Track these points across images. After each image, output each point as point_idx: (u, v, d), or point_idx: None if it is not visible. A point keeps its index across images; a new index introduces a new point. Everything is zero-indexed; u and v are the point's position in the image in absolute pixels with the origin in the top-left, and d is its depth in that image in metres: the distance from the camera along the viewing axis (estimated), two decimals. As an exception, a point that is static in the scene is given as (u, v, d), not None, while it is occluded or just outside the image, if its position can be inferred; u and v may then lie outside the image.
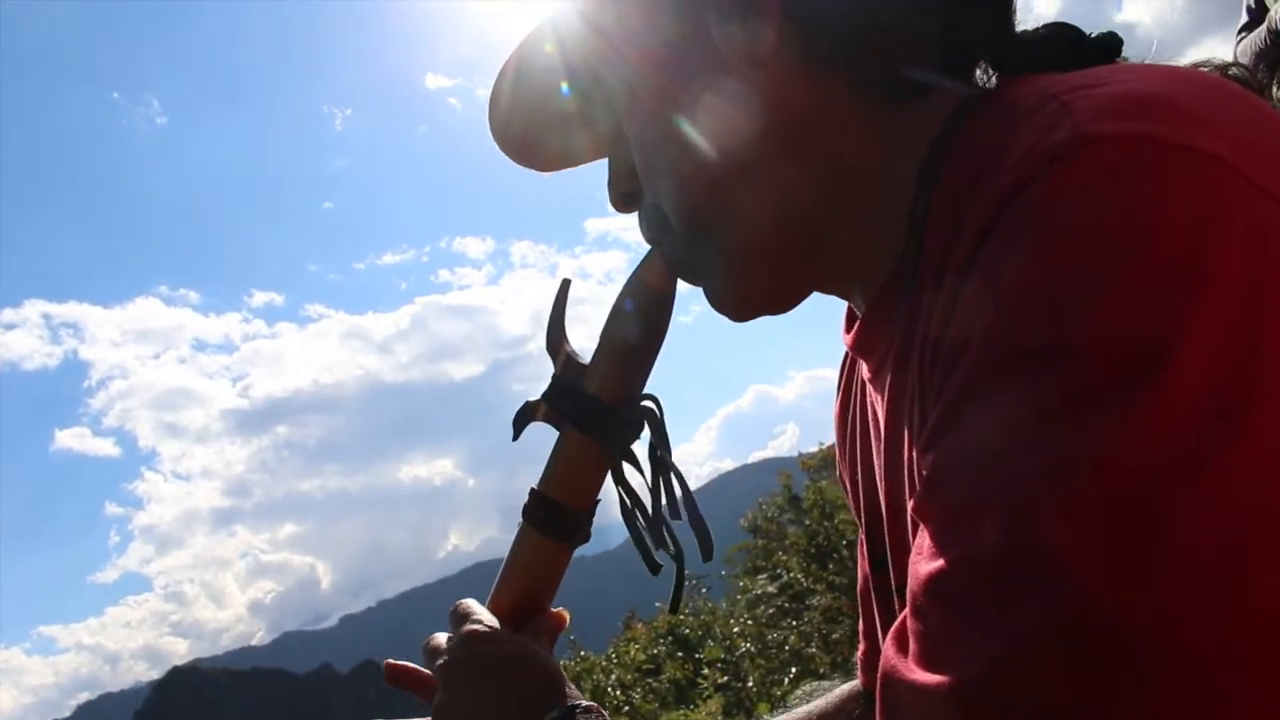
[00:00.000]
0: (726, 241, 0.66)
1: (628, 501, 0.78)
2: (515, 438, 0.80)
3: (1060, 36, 0.63)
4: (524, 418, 0.79)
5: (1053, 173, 0.44)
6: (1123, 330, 0.41)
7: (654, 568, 0.78)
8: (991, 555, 0.42)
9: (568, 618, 0.81)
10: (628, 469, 0.78)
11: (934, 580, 0.45)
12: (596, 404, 0.76)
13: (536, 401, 0.79)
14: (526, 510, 0.78)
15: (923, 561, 0.46)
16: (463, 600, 0.79)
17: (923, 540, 0.47)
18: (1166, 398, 0.40)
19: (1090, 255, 0.42)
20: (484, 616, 0.76)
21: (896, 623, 0.48)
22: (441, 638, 0.78)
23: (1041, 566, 0.40)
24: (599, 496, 0.79)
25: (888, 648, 0.48)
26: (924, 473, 0.48)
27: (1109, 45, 0.63)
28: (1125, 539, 0.39)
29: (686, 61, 0.63)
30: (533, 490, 0.78)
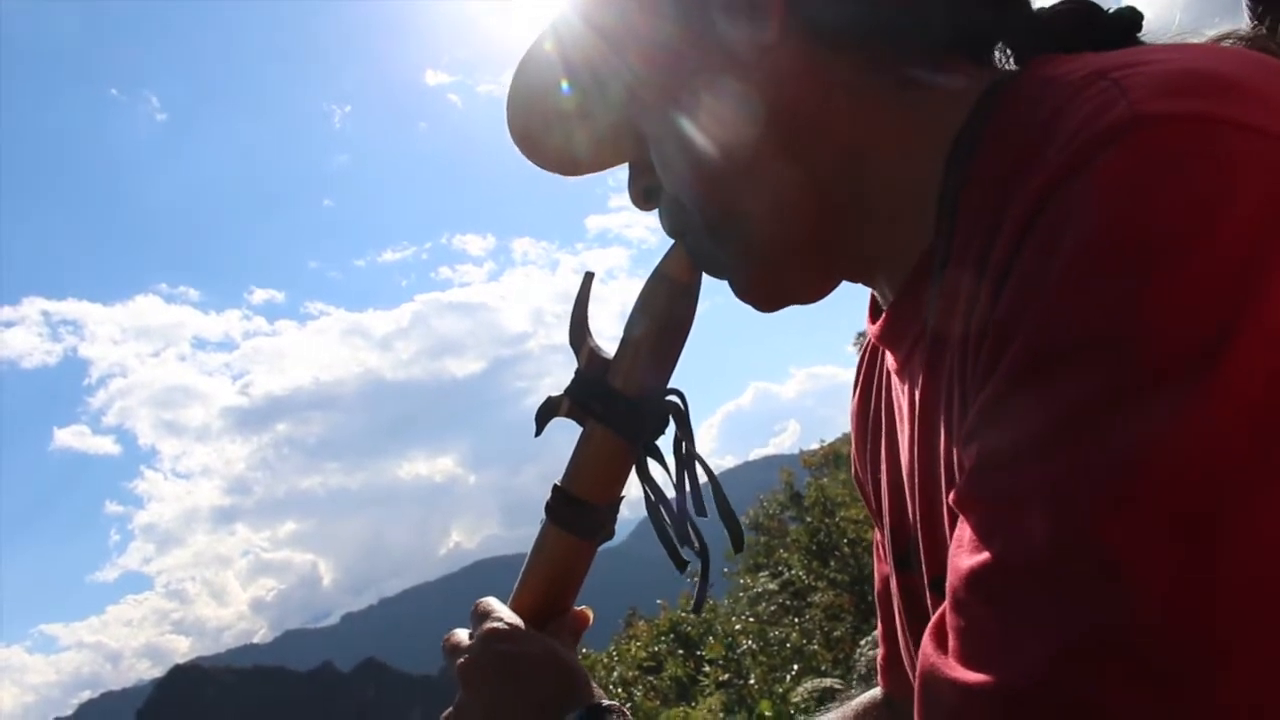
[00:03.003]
0: (748, 234, 0.64)
1: (653, 497, 0.77)
2: (538, 433, 0.79)
3: (1077, 14, 0.61)
4: (547, 413, 0.78)
5: (1109, 154, 0.42)
6: (1182, 319, 0.39)
7: (680, 565, 0.77)
8: (1040, 551, 0.40)
9: (591, 616, 0.80)
10: (652, 465, 0.77)
11: (977, 575, 0.43)
12: (621, 399, 0.75)
13: (560, 397, 0.78)
14: (549, 507, 0.77)
15: (964, 555, 0.44)
16: (484, 599, 0.78)
17: (963, 533, 0.45)
18: (1226, 391, 0.38)
19: (1149, 241, 0.40)
20: (505, 615, 0.75)
21: (934, 618, 0.47)
22: (462, 635, 0.76)
23: (1094, 565, 0.38)
24: (623, 493, 0.78)
25: (926, 644, 0.46)
26: (967, 464, 0.46)
27: (1129, 21, 0.61)
28: (1183, 539, 0.37)
29: (695, 53, 0.62)
30: (556, 486, 0.77)
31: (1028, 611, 0.40)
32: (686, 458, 0.76)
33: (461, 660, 0.73)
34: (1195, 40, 0.61)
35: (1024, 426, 0.43)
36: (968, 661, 0.42)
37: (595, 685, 0.70)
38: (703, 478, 0.77)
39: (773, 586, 7.86)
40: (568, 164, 0.77)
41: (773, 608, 7.62)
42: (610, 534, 0.78)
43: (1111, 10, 0.61)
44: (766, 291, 0.68)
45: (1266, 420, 0.38)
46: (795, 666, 6.39)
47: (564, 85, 0.72)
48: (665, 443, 0.78)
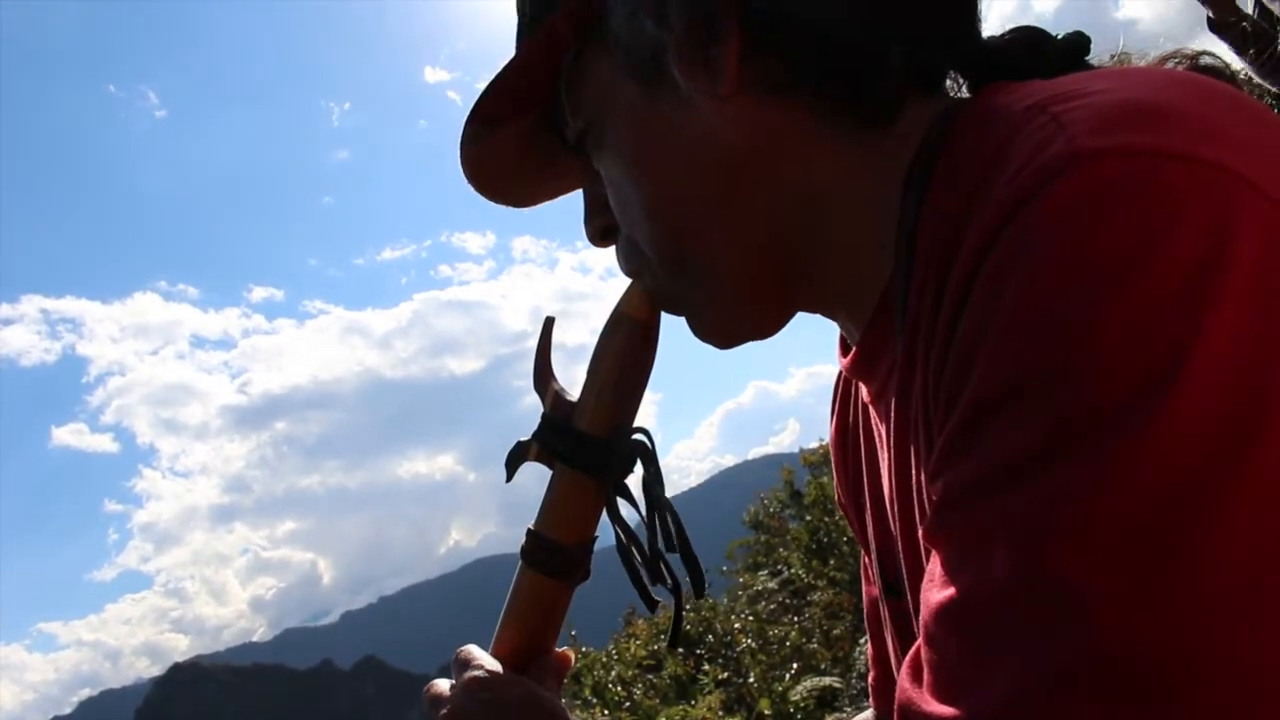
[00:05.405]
0: (703, 275, 0.65)
1: (623, 539, 0.78)
2: (509, 479, 0.80)
3: (1026, 40, 0.62)
4: (516, 459, 0.79)
5: (1049, 191, 0.43)
6: (1130, 349, 0.40)
7: (651, 604, 0.78)
8: (1002, 585, 0.41)
9: (572, 658, 0.80)
10: (622, 504, 0.77)
11: (946, 609, 0.44)
12: (587, 440, 0.75)
13: (528, 441, 0.79)
14: (524, 551, 0.78)
15: (934, 590, 0.45)
16: (464, 647, 0.79)
17: (934, 567, 0.46)
18: (1178, 417, 0.39)
19: (1092, 275, 0.41)
20: (486, 662, 0.76)
21: (911, 652, 0.48)
22: (444, 685, 0.77)
23: (1053, 597, 0.39)
24: (596, 533, 0.79)
25: (903, 678, 0.47)
26: (933, 499, 0.47)
27: (1076, 45, 0.62)
28: (1142, 565, 0.38)
29: (649, 98, 0.63)
30: (529, 530, 0.78)
31: (994, 645, 0.41)
32: (655, 497, 0.76)
33: (444, 711, 0.73)
34: (1141, 62, 0.62)
35: (983, 462, 0.43)
36: (940, 695, 0.43)
37: None
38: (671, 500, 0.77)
39: (772, 585, 7.86)
40: (520, 197, 0.78)
41: (772, 606, 7.63)
42: (586, 574, 0.79)
43: (1060, 36, 0.62)
44: (723, 332, 0.69)
45: (1221, 444, 0.38)
46: (794, 665, 6.39)
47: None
48: (637, 481, 0.78)
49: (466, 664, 0.76)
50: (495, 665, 0.75)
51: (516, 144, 0.73)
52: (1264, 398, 0.39)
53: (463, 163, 0.74)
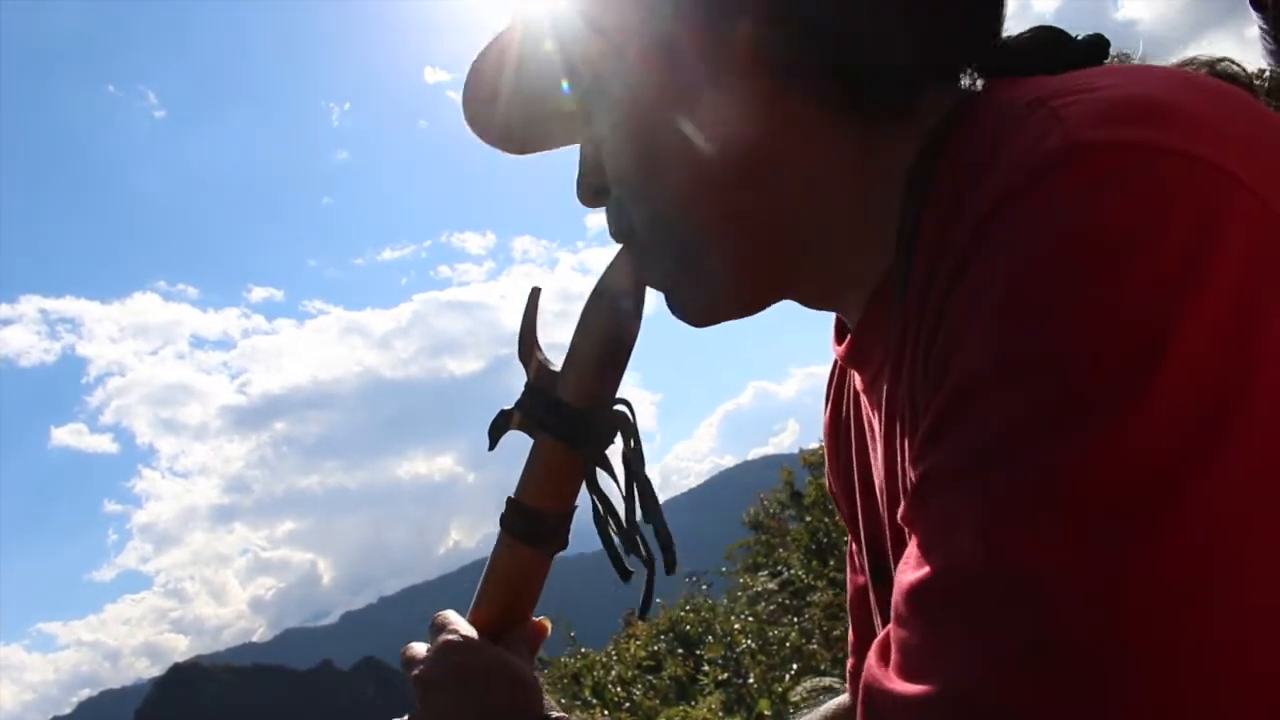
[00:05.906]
0: (700, 257, 0.66)
1: (600, 508, 0.78)
2: (491, 447, 0.81)
3: (1045, 39, 0.62)
4: (499, 427, 0.80)
5: (1044, 182, 0.44)
6: (1109, 339, 0.41)
7: (624, 574, 0.79)
8: (968, 568, 0.42)
9: (549, 627, 0.81)
10: (602, 475, 0.78)
11: (914, 591, 0.45)
12: (569, 410, 0.76)
13: (511, 410, 0.79)
14: (504, 519, 0.79)
15: (907, 572, 0.46)
16: (442, 611, 0.79)
17: (910, 551, 0.47)
18: (1151, 411, 0.39)
19: (1078, 266, 0.42)
20: (461, 627, 0.76)
21: (881, 633, 0.49)
22: (420, 648, 0.78)
23: (1015, 582, 0.40)
24: (576, 503, 0.79)
25: (871, 657, 0.48)
26: (912, 483, 0.48)
27: (1096, 46, 0.62)
28: (1106, 551, 0.39)
29: (655, 74, 0.63)
30: (509, 499, 0.78)
31: (958, 626, 0.42)
32: (632, 468, 0.77)
33: (417, 672, 0.74)
34: (1157, 64, 0.62)
35: (959, 447, 0.44)
36: (905, 674, 0.44)
37: (548, 697, 0.72)
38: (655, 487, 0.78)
39: (772, 586, 7.86)
40: (521, 144, 0.79)
41: (772, 607, 7.62)
42: (564, 544, 0.79)
43: (1079, 36, 0.62)
44: (707, 313, 0.69)
45: (1190, 440, 0.39)
46: (794, 665, 6.39)
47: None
48: (617, 454, 0.79)
49: (442, 628, 0.77)
50: (470, 631, 0.76)
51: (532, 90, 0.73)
52: (1240, 392, 0.39)
53: (465, 106, 0.76)
